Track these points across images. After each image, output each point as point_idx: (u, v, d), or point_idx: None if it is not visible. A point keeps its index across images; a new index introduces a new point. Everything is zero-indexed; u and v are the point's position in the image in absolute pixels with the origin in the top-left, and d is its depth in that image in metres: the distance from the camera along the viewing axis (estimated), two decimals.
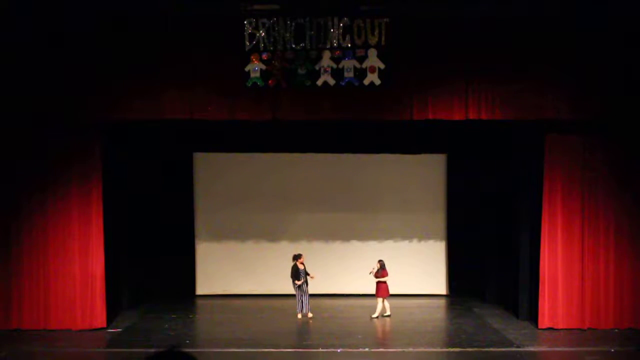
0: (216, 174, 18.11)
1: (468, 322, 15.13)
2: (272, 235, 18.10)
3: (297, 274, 15.30)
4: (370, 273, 15.38)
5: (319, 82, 13.47)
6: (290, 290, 15.68)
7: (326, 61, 13.43)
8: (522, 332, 14.10)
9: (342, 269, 16.56)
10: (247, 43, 13.34)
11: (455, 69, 13.48)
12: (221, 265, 18.10)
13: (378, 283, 15.33)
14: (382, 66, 13.41)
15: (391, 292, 15.42)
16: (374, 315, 15.37)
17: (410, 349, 12.75)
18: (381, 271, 15.32)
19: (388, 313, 15.42)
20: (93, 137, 14.05)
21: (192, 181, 18.10)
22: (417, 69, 13.49)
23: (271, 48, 13.36)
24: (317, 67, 13.44)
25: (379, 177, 18.07)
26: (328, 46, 13.41)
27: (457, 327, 14.84)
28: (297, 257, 15.46)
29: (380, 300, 15.33)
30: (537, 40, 13.45)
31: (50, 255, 14.03)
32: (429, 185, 18.14)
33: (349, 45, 13.40)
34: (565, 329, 14.14)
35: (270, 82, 13.43)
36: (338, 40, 13.41)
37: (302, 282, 15.25)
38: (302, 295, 15.36)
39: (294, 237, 17.97)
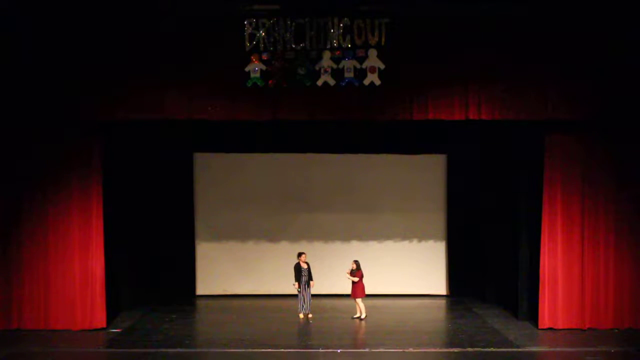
0: (216, 174, 18.12)
1: (468, 323, 15.13)
2: (272, 235, 18.11)
3: (298, 273, 15.29)
4: (347, 273, 15.31)
5: (319, 83, 13.50)
6: (290, 290, 15.67)
7: (326, 61, 13.45)
8: (522, 332, 14.11)
9: (342, 270, 16.50)
10: (247, 43, 13.37)
11: (455, 69, 13.50)
12: (221, 266, 18.11)
13: (353, 283, 15.25)
14: (382, 66, 13.44)
15: (391, 292, 15.40)
16: (356, 316, 15.34)
17: (410, 349, 12.75)
18: (356, 271, 15.26)
19: (363, 315, 15.26)
20: (93, 137, 14.07)
21: (192, 181, 18.12)
22: (417, 69, 13.52)
23: (271, 48, 13.38)
24: (317, 68, 13.47)
25: (379, 177, 18.08)
26: (328, 46, 13.43)
27: (457, 327, 14.82)
28: (299, 255, 15.43)
29: (358, 300, 15.25)
30: (537, 40, 13.47)
31: (50, 255, 14.04)
32: (429, 186, 18.15)
33: (349, 45, 13.42)
34: (565, 329, 14.16)
35: (270, 82, 13.45)
36: (338, 40, 13.43)
37: (302, 284, 15.22)
38: (303, 295, 15.36)
39: (294, 237, 17.99)
